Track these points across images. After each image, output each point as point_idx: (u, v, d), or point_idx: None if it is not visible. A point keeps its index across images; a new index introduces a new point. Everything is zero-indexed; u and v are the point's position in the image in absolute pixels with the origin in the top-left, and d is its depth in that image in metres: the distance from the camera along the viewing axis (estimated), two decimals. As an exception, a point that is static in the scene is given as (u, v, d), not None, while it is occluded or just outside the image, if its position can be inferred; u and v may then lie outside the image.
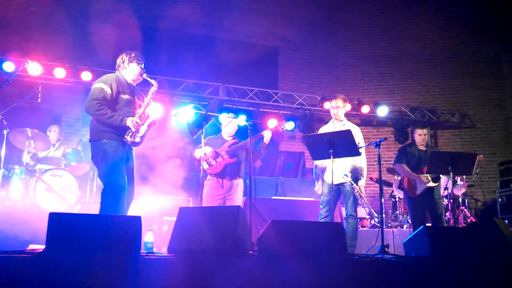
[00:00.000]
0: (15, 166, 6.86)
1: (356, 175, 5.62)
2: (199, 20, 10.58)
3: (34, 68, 8.36)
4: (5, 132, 6.94)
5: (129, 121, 4.52)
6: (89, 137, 4.63)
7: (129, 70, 4.77)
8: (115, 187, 4.41)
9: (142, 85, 4.92)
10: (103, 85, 4.51)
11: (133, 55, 4.79)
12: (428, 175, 6.11)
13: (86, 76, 8.78)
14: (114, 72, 4.80)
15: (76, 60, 9.08)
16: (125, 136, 4.54)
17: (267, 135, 5.84)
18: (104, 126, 4.47)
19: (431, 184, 6.13)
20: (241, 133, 6.13)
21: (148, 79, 4.82)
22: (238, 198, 5.85)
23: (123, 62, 4.77)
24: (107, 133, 4.48)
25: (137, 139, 4.63)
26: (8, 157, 6.93)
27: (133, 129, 4.54)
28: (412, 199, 6.25)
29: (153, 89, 4.78)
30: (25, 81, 8.51)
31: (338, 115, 5.82)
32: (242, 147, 5.85)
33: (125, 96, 4.63)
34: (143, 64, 4.84)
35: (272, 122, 9.69)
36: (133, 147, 4.74)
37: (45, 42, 9.04)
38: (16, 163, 6.96)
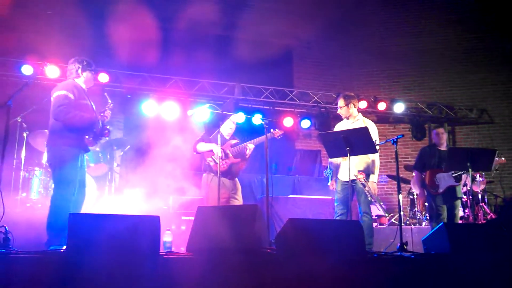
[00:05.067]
0: (35, 168, 6.94)
1: (367, 171, 5.59)
2: (214, 20, 10.59)
3: (52, 71, 8.45)
4: (24, 134, 7.05)
5: (98, 116, 4.93)
6: (46, 141, 4.86)
7: (83, 78, 5.02)
8: (65, 193, 4.65)
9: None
10: (65, 91, 4.73)
11: (85, 63, 5.03)
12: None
13: (103, 78, 8.81)
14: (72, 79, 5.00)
15: (93, 62, 9.15)
16: (86, 136, 4.84)
17: (250, 147, 5.88)
18: (69, 131, 4.69)
19: (453, 183, 6.17)
20: (239, 132, 6.15)
21: (107, 96, 5.20)
22: (241, 198, 5.87)
23: (77, 71, 4.98)
24: (67, 140, 4.70)
25: (101, 141, 5.15)
26: (28, 159, 7.03)
27: (101, 123, 4.94)
28: (434, 196, 6.26)
29: (110, 105, 5.17)
30: (43, 83, 8.60)
31: (342, 114, 5.91)
32: (244, 147, 5.86)
33: (84, 102, 4.88)
34: (93, 71, 5.14)
35: (288, 121, 9.70)
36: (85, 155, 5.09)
37: (62, 44, 9.11)
38: (36, 165, 7.05)
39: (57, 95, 4.73)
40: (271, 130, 5.78)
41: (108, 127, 5.07)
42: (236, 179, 5.95)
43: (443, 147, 6.43)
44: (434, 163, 6.31)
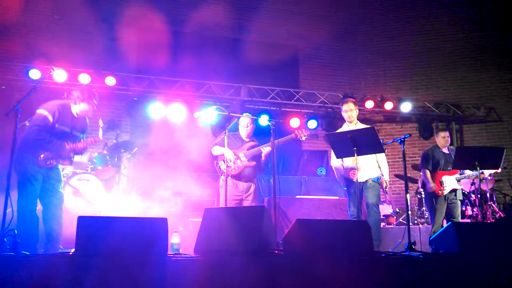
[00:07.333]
0: (43, 171, 6.96)
1: (378, 173, 5.66)
2: (220, 23, 10.62)
3: (59, 75, 8.47)
4: (32, 138, 7.07)
5: (67, 146, 4.93)
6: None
7: (79, 107, 5.06)
8: (24, 202, 4.75)
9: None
10: (46, 112, 4.85)
11: (87, 95, 5.07)
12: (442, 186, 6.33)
13: (110, 81, 8.84)
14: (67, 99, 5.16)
15: (100, 65, 9.20)
16: (41, 155, 4.83)
17: (265, 151, 5.74)
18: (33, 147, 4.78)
19: (457, 186, 6.35)
20: (258, 133, 6.12)
21: (100, 132, 5.19)
22: (254, 200, 5.85)
23: (77, 98, 5.05)
24: (32, 149, 4.79)
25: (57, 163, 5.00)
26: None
27: (75, 150, 4.99)
28: (439, 197, 6.32)
29: (91, 140, 5.13)
30: (51, 87, 8.65)
31: (352, 117, 5.91)
32: (259, 150, 5.80)
33: (61, 127, 4.95)
34: (91, 104, 5.10)
35: (294, 121, 9.70)
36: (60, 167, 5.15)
37: (69, 48, 9.18)
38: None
39: (38, 114, 4.88)
40: (296, 131, 5.77)
41: (71, 155, 5.07)
42: (254, 181, 5.91)
43: (445, 150, 6.51)
44: (442, 165, 6.39)
